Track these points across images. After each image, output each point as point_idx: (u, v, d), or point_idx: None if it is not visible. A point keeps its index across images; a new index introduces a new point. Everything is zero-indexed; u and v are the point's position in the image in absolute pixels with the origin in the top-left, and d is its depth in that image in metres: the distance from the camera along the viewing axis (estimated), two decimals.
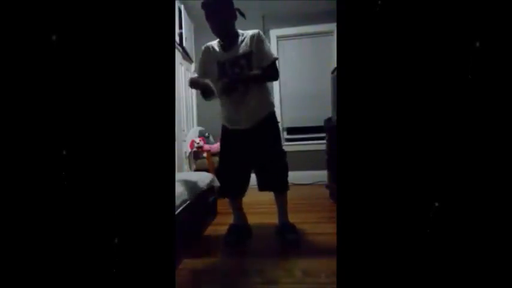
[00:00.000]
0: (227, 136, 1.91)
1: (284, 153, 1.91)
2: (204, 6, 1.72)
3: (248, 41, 1.76)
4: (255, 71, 1.75)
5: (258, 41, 1.76)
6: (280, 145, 1.91)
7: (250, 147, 1.85)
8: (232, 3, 1.76)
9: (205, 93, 1.71)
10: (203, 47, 1.86)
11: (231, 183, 1.92)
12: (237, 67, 1.75)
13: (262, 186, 1.91)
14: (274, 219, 2.06)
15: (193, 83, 1.88)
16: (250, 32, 1.79)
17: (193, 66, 4.08)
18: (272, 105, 1.91)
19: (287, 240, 1.83)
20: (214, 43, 1.84)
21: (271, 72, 1.80)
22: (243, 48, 1.76)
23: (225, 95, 1.77)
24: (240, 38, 1.78)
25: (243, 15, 1.79)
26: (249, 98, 1.78)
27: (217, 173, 2.05)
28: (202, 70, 1.85)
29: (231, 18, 1.76)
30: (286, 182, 1.92)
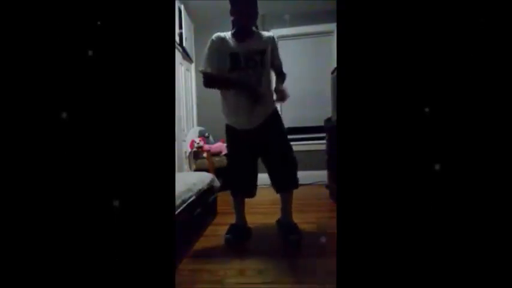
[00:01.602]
0: (236, 136, 1.89)
1: (291, 149, 1.92)
2: None
3: (263, 40, 1.80)
4: (280, 85, 1.87)
5: (273, 44, 1.83)
6: (286, 139, 1.92)
7: (260, 145, 1.85)
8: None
9: (257, 97, 1.69)
10: (214, 36, 1.77)
11: (244, 183, 1.93)
12: (252, 61, 1.75)
13: (278, 187, 1.91)
14: (274, 219, 2.06)
15: (229, 83, 1.76)
16: (266, 33, 1.84)
17: (193, 66, 4.08)
18: (274, 102, 1.94)
19: (289, 240, 1.83)
20: (226, 34, 1.79)
21: (284, 76, 1.96)
22: (257, 44, 1.77)
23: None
24: (255, 35, 1.80)
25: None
26: (261, 98, 1.79)
27: (226, 173, 2.04)
28: (213, 60, 1.76)
29: (257, 15, 1.77)
30: (296, 179, 1.92)
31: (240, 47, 1.76)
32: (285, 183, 1.90)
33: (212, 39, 1.77)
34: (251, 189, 1.93)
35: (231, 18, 1.78)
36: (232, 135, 1.92)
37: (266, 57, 1.79)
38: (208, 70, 1.76)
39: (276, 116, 1.91)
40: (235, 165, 1.95)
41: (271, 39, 1.82)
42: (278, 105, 2.05)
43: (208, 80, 1.78)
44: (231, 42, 1.77)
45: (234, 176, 1.96)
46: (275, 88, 1.85)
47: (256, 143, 1.85)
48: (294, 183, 1.91)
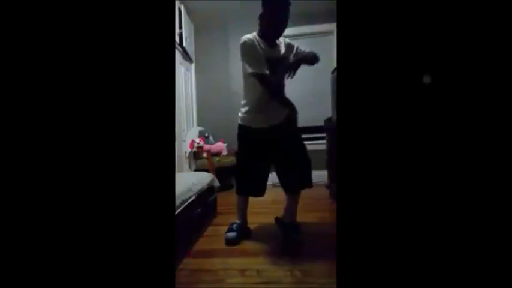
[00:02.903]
0: (249, 135, 1.89)
1: (305, 148, 1.93)
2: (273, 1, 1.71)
3: (287, 47, 1.85)
4: None
5: (293, 49, 1.88)
6: (302, 140, 1.94)
7: (274, 146, 1.86)
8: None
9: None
10: (247, 40, 1.71)
11: (254, 183, 1.94)
12: (282, 66, 1.79)
13: (290, 188, 1.93)
14: (272, 219, 2.06)
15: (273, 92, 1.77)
16: (287, 40, 1.89)
17: (193, 66, 4.08)
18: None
19: (292, 239, 1.84)
20: (254, 36, 1.75)
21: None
22: (284, 51, 1.83)
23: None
24: (280, 40, 1.84)
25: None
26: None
27: (237, 171, 2.05)
28: (259, 61, 1.71)
29: (287, 21, 1.78)
30: (311, 178, 1.94)
31: (273, 53, 1.77)
32: (301, 183, 1.91)
33: (246, 43, 1.71)
34: (262, 188, 1.95)
35: (259, 21, 1.77)
36: (245, 135, 1.91)
37: (287, 63, 1.83)
38: (260, 71, 1.72)
39: (293, 117, 1.89)
40: (245, 164, 1.94)
41: (293, 47, 1.89)
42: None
43: (265, 82, 1.74)
44: (263, 46, 1.74)
45: (243, 176, 1.96)
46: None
47: (271, 143, 1.85)
48: (310, 183, 1.93)
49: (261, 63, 1.71)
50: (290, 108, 1.78)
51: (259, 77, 1.71)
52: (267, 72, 1.70)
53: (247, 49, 1.71)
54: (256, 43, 1.72)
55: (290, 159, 1.87)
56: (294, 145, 1.88)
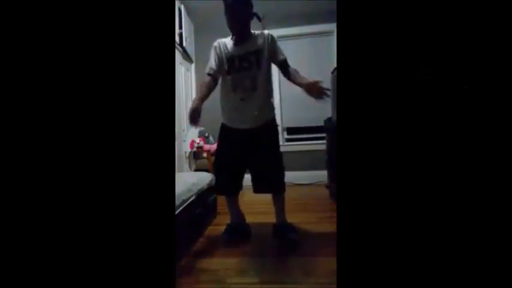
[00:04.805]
0: (227, 134, 1.93)
1: (281, 155, 1.94)
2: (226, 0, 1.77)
3: (259, 40, 1.82)
4: (302, 78, 1.87)
5: (270, 41, 1.83)
6: (279, 148, 1.95)
7: (251, 147, 1.87)
8: (252, 4, 1.82)
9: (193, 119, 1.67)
10: (215, 42, 1.87)
11: (228, 181, 1.94)
12: (246, 62, 1.80)
13: (258, 189, 1.93)
14: (273, 219, 2.06)
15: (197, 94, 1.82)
16: (262, 32, 1.85)
17: (193, 66, 4.08)
18: (274, 108, 1.98)
19: (287, 239, 1.84)
20: (227, 40, 1.87)
21: (294, 69, 1.93)
22: (253, 45, 1.81)
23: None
24: (252, 36, 1.84)
25: (259, 19, 1.85)
26: (257, 98, 1.82)
27: (215, 172, 2.06)
28: (212, 64, 1.83)
29: (248, 18, 1.82)
30: (284, 183, 1.94)
31: (236, 50, 1.81)
32: (271, 186, 1.92)
33: (213, 45, 1.86)
34: (236, 187, 1.94)
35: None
36: (225, 133, 1.95)
37: (262, 58, 1.80)
38: (211, 72, 1.82)
39: (272, 124, 1.93)
40: (223, 163, 1.95)
41: (267, 37, 1.83)
42: (278, 105, 2.05)
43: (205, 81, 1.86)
44: (229, 46, 1.83)
45: (223, 175, 1.95)
46: (302, 84, 1.79)
47: (248, 145, 1.86)
48: (281, 188, 1.94)
49: (212, 65, 1.81)
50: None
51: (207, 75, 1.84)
52: (216, 70, 1.80)
53: (211, 52, 1.86)
54: (221, 45, 1.84)
55: (265, 165, 1.88)
56: (271, 151, 1.89)
